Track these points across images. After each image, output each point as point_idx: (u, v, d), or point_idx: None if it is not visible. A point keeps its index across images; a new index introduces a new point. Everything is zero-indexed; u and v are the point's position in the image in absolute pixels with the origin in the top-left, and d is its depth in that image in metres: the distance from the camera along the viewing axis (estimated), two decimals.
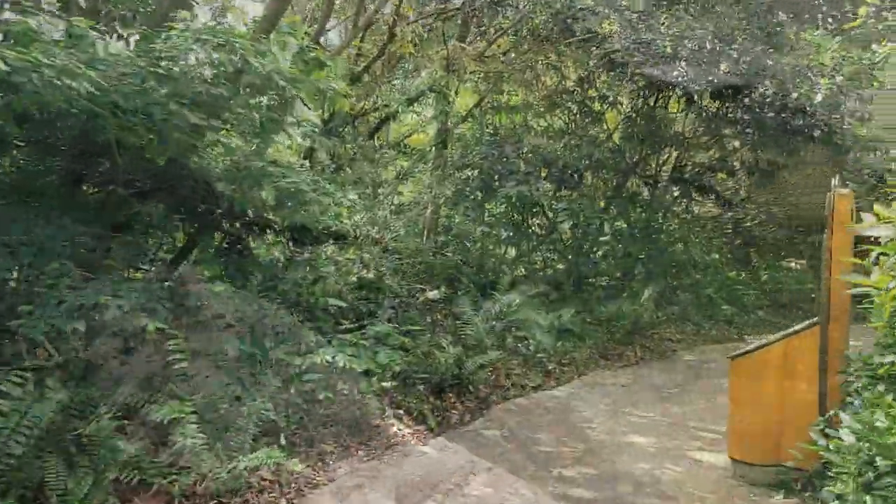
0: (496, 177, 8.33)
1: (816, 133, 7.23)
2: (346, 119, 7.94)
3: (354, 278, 6.72)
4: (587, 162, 8.70)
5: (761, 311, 10.82)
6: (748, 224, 14.00)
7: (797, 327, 4.16)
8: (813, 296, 11.62)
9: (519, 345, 7.14)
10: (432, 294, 8.28)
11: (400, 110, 7.76)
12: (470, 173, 8.95)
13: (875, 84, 9.18)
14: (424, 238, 9.04)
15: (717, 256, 12.10)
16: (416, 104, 8.99)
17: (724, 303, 10.06)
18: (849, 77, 7.01)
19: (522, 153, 8.29)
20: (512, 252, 10.21)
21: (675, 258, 10.31)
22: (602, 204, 9.65)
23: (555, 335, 7.39)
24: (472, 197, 8.59)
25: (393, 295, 7.29)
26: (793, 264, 13.39)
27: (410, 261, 8.00)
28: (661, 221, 9.88)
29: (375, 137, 9.40)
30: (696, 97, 7.81)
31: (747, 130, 8.60)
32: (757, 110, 8.30)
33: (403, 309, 7.16)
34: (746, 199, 13.07)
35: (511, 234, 9.16)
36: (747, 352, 4.23)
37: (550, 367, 7.02)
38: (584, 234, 8.80)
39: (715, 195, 9.63)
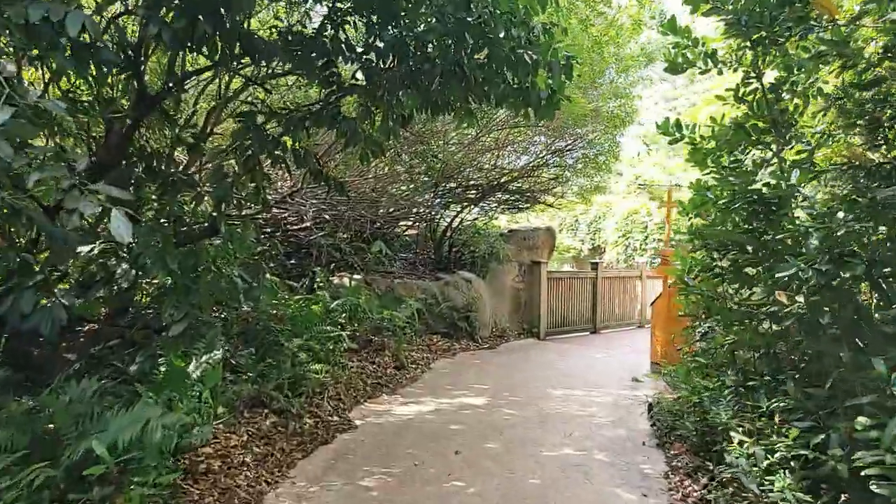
0: None
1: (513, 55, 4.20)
2: None
3: None
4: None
5: (353, 362, 7.54)
6: (297, 226, 10.79)
7: None
8: (384, 323, 9.30)
9: None
10: None
11: None
12: None
13: None
14: None
15: (271, 277, 8.28)
16: None
17: (314, 359, 6.30)
18: None
19: None
20: None
21: (224, 282, 5.90)
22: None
23: None
24: None
25: None
26: (346, 280, 10.83)
27: None
28: (210, 214, 5.32)
29: None
30: None
31: (371, 56, 5.03)
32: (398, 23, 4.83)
33: None
34: (299, 190, 9.78)
35: None
36: None
37: None
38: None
39: (310, 170, 5.69)
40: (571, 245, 21.01)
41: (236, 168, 5.33)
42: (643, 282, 14.28)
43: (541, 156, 12.01)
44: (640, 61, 10.54)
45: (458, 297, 10.80)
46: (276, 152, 5.23)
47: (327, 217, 9.74)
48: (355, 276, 10.92)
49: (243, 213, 7.65)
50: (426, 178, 10.16)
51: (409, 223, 13.17)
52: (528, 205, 12.85)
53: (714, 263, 5.05)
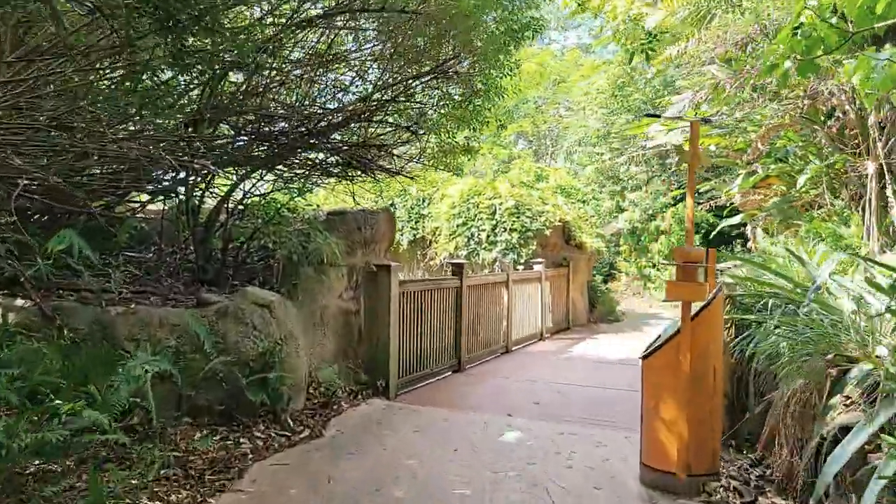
0: None
1: None
2: None
3: None
4: None
5: None
6: None
7: None
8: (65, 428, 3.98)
9: None
10: None
11: None
12: None
13: None
14: None
15: None
16: None
17: None
18: None
19: None
20: None
21: None
22: None
23: None
24: None
25: None
26: None
27: None
28: None
29: None
30: None
31: None
32: None
33: None
34: None
35: None
36: None
37: None
38: None
39: None
40: None
41: None
42: (510, 290, 10.49)
43: (380, 90, 7.34)
44: None
45: (244, 338, 5.69)
46: None
47: None
48: (17, 303, 5.28)
49: None
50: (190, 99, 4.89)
51: (148, 196, 7.60)
52: (361, 172, 8.12)
53: None
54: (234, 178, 7.42)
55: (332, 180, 8.73)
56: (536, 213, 12.76)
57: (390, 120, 7.90)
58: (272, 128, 7.11)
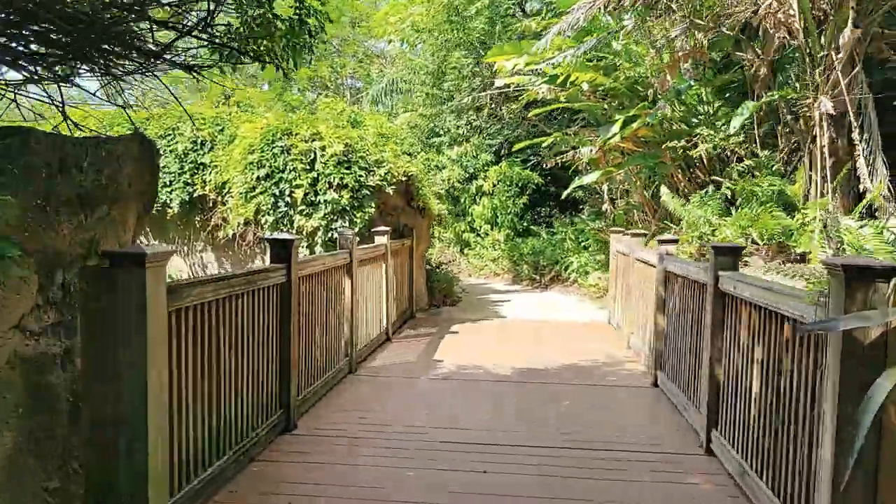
0: None
1: None
2: None
3: None
4: None
5: None
6: None
7: None
8: None
9: None
10: None
11: None
12: None
13: None
14: None
15: None
16: None
17: None
18: None
19: None
20: None
21: None
22: None
23: None
24: None
25: None
26: None
27: None
28: None
29: None
30: None
31: None
32: None
33: None
34: None
35: None
36: None
37: None
38: None
39: None
40: None
41: None
42: (353, 277, 6.95)
43: None
44: None
45: None
46: None
47: None
48: None
49: None
50: None
51: None
52: (69, 57, 3.89)
53: None
54: None
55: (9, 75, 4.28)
56: (374, 164, 9.23)
57: None
58: None
